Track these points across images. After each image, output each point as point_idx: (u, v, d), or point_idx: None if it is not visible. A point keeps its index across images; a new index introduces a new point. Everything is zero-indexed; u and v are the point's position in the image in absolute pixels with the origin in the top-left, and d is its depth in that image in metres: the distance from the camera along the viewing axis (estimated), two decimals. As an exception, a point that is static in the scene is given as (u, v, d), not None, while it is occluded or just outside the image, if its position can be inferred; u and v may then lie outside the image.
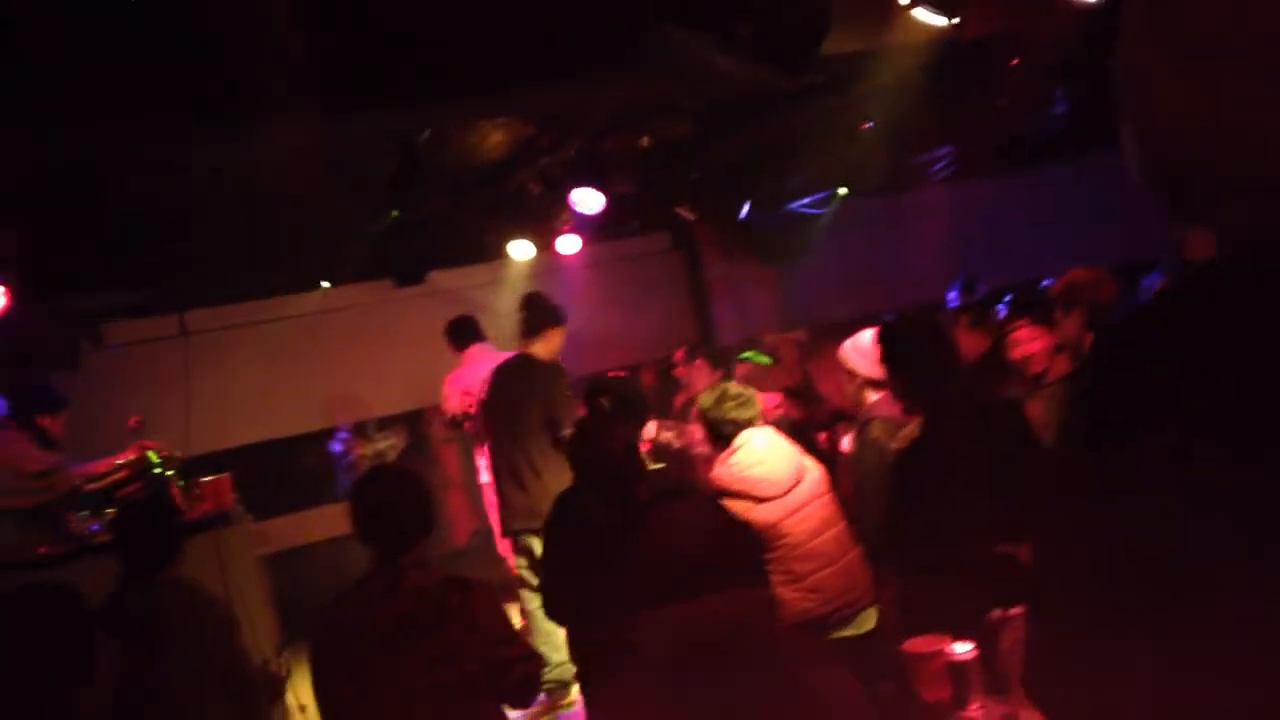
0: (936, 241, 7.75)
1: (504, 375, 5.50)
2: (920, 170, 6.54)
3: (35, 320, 5.60)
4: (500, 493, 5.40)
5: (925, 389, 3.24)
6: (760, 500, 3.78)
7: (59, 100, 3.98)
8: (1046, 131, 6.41)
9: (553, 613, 3.75)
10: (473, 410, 5.80)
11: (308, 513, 7.35)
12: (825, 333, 6.48)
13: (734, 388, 4.02)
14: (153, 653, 3.15)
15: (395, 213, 6.35)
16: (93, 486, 4.75)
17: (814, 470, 3.95)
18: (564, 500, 3.75)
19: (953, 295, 6.17)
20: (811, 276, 7.77)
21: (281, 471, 7.49)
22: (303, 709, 4.54)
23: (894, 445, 3.90)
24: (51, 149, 4.53)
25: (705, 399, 4.01)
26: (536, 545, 4.82)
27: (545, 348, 5.46)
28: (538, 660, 2.98)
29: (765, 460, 3.86)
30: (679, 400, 7.10)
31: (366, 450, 7.80)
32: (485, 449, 5.74)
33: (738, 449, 3.89)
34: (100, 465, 4.86)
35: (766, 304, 8.41)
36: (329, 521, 7.19)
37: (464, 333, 6.21)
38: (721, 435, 3.95)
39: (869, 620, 3.87)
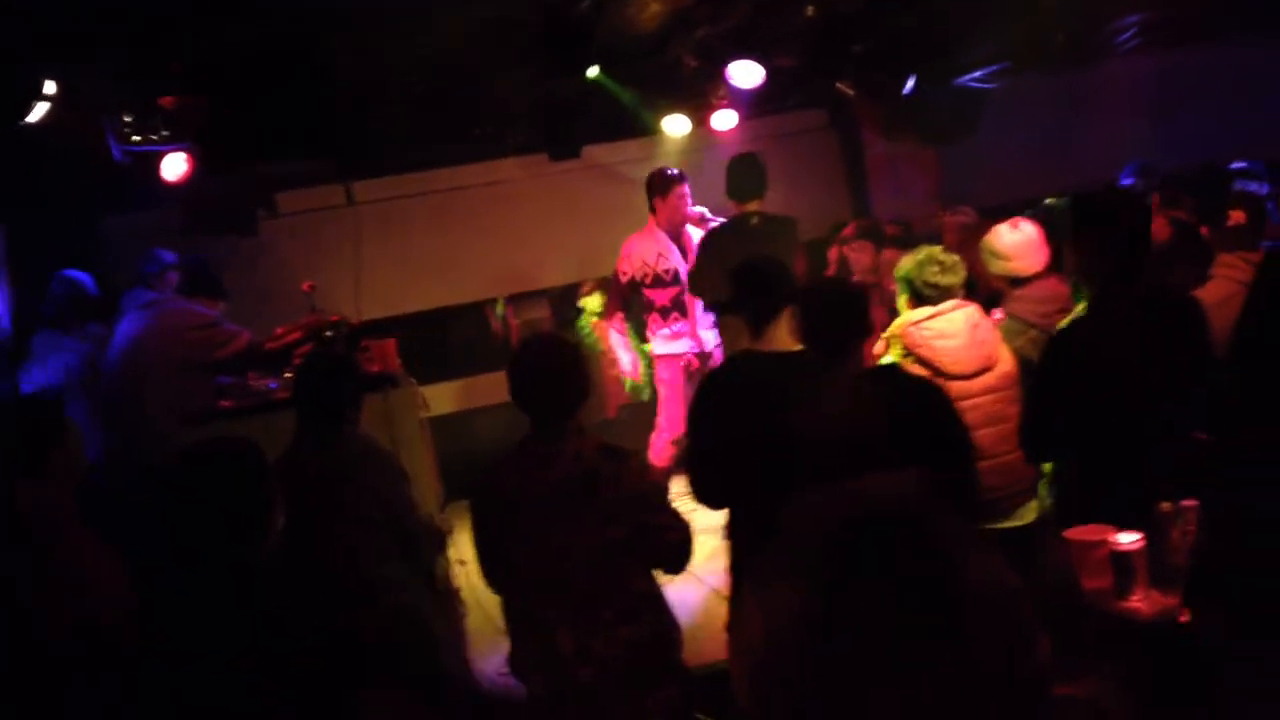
0: (1116, 121, 7.30)
1: (734, 235, 5.45)
2: (1104, 42, 6.09)
3: (216, 187, 5.86)
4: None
5: (1110, 268, 3.07)
6: (940, 375, 3.68)
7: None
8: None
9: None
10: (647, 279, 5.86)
11: (465, 380, 7.61)
12: (992, 216, 6.25)
13: (939, 252, 3.88)
14: (330, 505, 3.34)
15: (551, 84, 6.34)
16: (270, 345, 5.01)
17: (1006, 363, 3.81)
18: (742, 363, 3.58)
19: (1127, 178, 5.83)
20: (976, 156, 7.44)
21: (441, 340, 7.77)
22: (463, 563, 4.77)
23: (1024, 348, 3.81)
24: (234, 20, 4.70)
25: (907, 262, 3.89)
26: None
27: (762, 206, 5.49)
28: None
29: (959, 336, 3.73)
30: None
31: (521, 320, 7.98)
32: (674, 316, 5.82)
33: (935, 315, 3.77)
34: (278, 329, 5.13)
35: (926, 184, 8.13)
36: (485, 389, 7.44)
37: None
38: (922, 301, 3.82)
39: (1029, 513, 3.79)
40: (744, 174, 5.81)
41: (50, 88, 4.36)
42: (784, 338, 3.46)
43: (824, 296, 3.48)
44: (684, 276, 5.94)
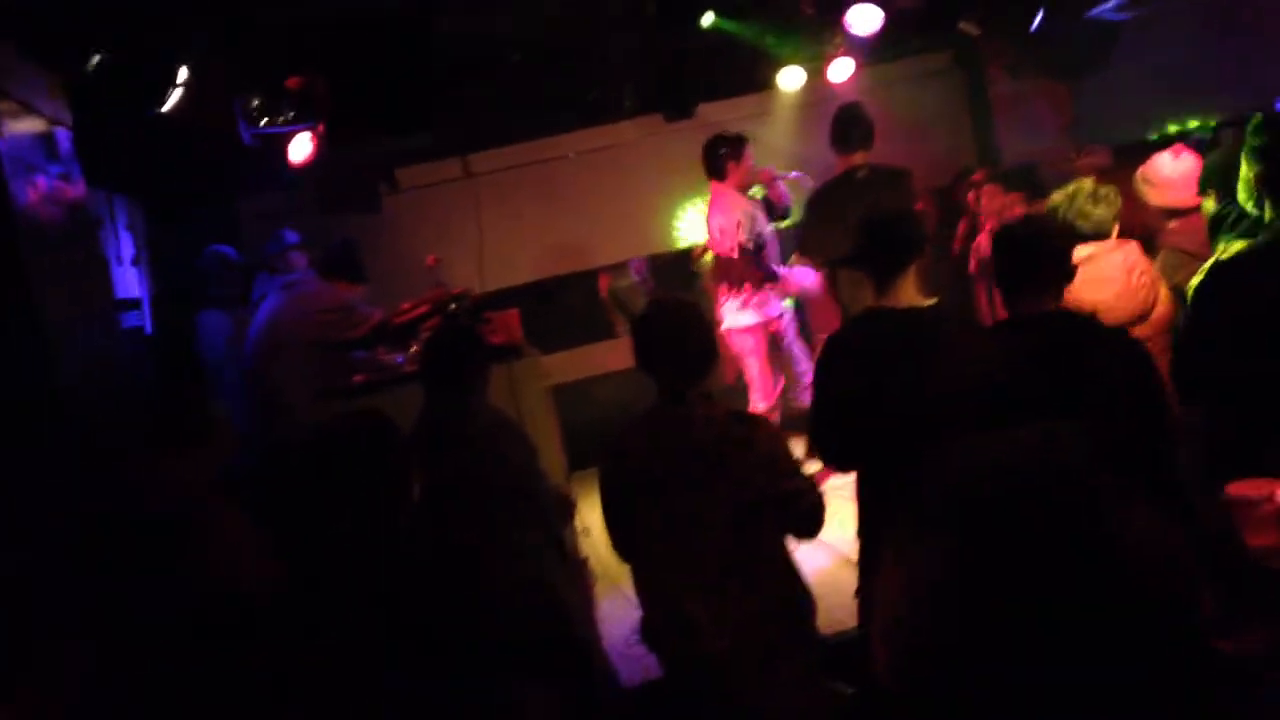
0: (1258, 47, 6.81)
1: (843, 190, 5.38)
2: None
3: (341, 166, 5.99)
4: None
5: None
6: None
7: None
8: None
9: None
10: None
11: (583, 348, 7.63)
12: (1128, 154, 5.93)
13: (1090, 183, 3.69)
14: (461, 476, 3.38)
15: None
16: (397, 320, 5.09)
17: (1163, 305, 3.61)
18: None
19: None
20: (1111, 91, 7.06)
21: (559, 308, 7.81)
22: (587, 532, 4.80)
23: (1188, 281, 3.56)
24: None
25: (1058, 195, 3.72)
26: None
27: (872, 157, 5.37)
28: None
29: (1114, 283, 3.54)
30: (962, 228, 6.77)
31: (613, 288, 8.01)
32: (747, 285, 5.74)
33: (1088, 260, 3.54)
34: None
35: (1057, 124, 7.76)
36: (603, 357, 7.47)
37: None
38: (1077, 234, 3.61)
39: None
40: (848, 125, 5.66)
41: (183, 74, 4.48)
42: (911, 293, 3.33)
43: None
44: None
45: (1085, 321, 3.14)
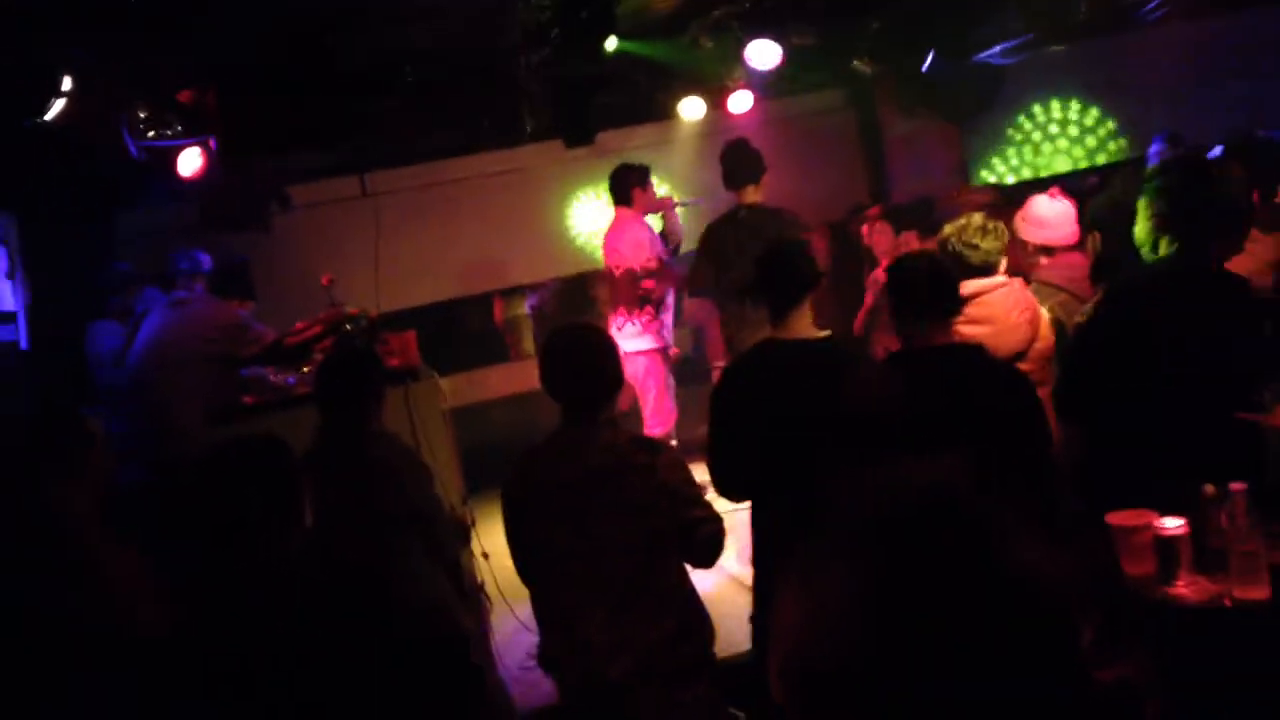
0: (1142, 92, 7.18)
1: (726, 227, 5.48)
2: (1127, 11, 5.98)
3: (230, 182, 5.83)
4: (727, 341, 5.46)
5: (1179, 239, 2.95)
6: None
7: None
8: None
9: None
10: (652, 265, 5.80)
11: (481, 370, 7.58)
12: (1015, 195, 6.17)
13: (980, 217, 3.80)
14: (355, 500, 3.31)
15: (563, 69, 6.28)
16: (291, 341, 4.98)
17: (1044, 341, 3.74)
18: (767, 351, 3.48)
19: (1155, 150, 5.73)
20: (998, 132, 7.35)
21: (455, 331, 7.75)
22: (485, 556, 4.74)
23: (1054, 309, 3.74)
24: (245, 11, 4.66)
25: (948, 228, 3.82)
26: None
27: (761, 194, 5.43)
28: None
29: (995, 320, 3.65)
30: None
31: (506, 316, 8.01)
32: (648, 309, 5.81)
33: (973, 297, 3.65)
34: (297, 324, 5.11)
35: (947, 163, 8.05)
36: (500, 380, 7.43)
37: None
38: (962, 267, 3.69)
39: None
40: (732, 163, 5.71)
41: (67, 84, 4.32)
42: (805, 325, 3.41)
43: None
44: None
45: (975, 354, 3.25)
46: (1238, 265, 3.26)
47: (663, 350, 5.95)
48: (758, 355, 3.52)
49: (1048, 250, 4.09)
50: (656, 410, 5.93)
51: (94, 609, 2.90)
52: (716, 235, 5.65)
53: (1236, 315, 2.96)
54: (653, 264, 5.85)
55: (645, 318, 5.91)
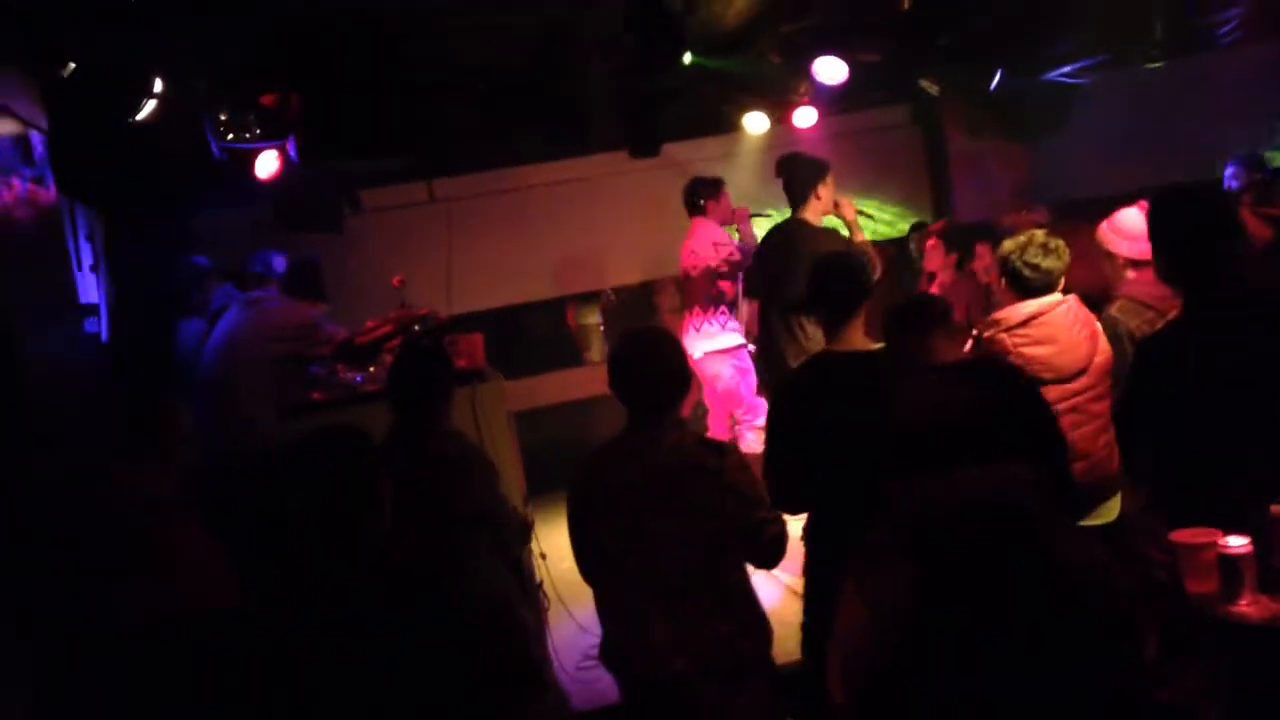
0: (1214, 114, 7.10)
1: (778, 241, 5.52)
2: (1203, 33, 5.93)
3: (305, 184, 5.99)
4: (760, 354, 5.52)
5: (1193, 269, 2.97)
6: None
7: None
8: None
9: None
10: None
11: (546, 375, 7.69)
12: (1076, 212, 6.13)
13: (1041, 235, 3.79)
14: (424, 497, 3.38)
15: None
16: (361, 340, 5.09)
17: (1103, 356, 3.71)
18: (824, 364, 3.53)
19: (1231, 172, 5.66)
20: (1065, 152, 7.31)
21: (521, 335, 7.86)
22: (543, 557, 4.81)
23: (1141, 328, 3.70)
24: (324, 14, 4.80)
25: (1009, 244, 3.81)
26: None
27: (816, 210, 5.45)
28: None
29: (1058, 339, 3.64)
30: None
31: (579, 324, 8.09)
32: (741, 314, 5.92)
33: (1034, 318, 3.68)
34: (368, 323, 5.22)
35: (1012, 181, 8.01)
36: (564, 385, 7.52)
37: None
38: (1022, 284, 3.71)
39: (1112, 510, 3.72)
40: (790, 176, 5.68)
41: (158, 85, 4.49)
42: (859, 337, 3.46)
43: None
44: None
45: (1008, 369, 3.31)
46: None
47: (743, 346, 6.03)
48: (813, 367, 3.57)
49: (1136, 264, 3.99)
50: (752, 404, 5.99)
51: (176, 594, 3.01)
52: (766, 243, 5.71)
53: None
54: (729, 262, 5.95)
55: (724, 317, 6.01)
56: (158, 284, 5.99)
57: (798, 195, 5.50)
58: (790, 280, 5.03)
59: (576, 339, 8.25)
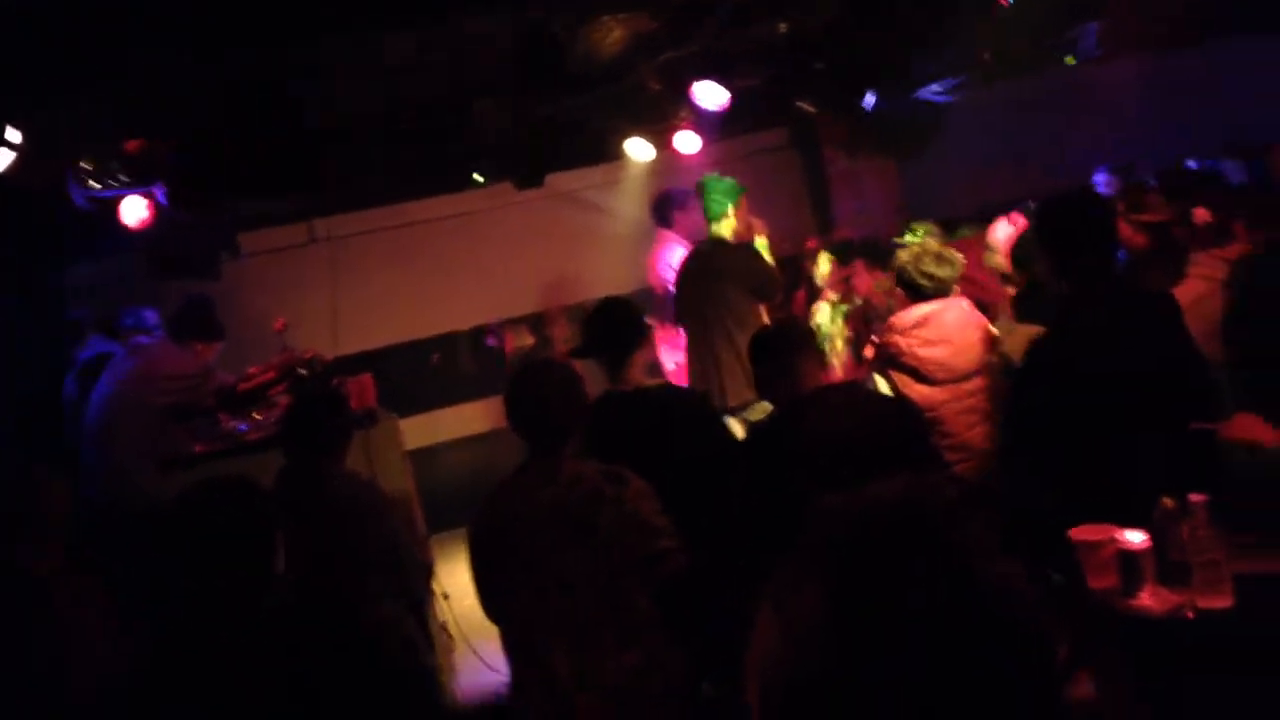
0: (1075, 127, 7.40)
1: (694, 260, 5.56)
2: (1068, 48, 6.17)
3: (177, 231, 5.78)
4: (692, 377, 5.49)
5: (1077, 271, 3.06)
6: (924, 380, 3.68)
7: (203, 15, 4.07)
8: (1202, 6, 6.00)
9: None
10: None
11: (440, 411, 7.55)
12: (950, 227, 6.31)
13: (935, 244, 3.89)
14: (322, 543, 3.28)
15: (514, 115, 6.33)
16: (244, 387, 4.93)
17: (995, 355, 3.82)
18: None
19: (1103, 180, 5.88)
20: (938, 169, 7.53)
21: (412, 373, 7.71)
22: (446, 596, 4.71)
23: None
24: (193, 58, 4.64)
25: (904, 254, 3.90)
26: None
27: (730, 228, 5.49)
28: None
29: (951, 339, 3.73)
30: (801, 296, 7.03)
31: (514, 347, 7.96)
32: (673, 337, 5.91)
33: (925, 320, 3.77)
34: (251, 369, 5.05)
35: (886, 198, 8.21)
36: (460, 420, 7.40)
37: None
38: (917, 292, 3.81)
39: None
40: (705, 197, 5.79)
41: (15, 135, 4.27)
42: (639, 375, 3.54)
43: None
44: None
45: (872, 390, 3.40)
46: (1189, 289, 3.39)
47: None
48: (598, 409, 3.50)
49: (1008, 279, 4.12)
50: None
51: (63, 665, 2.84)
52: (685, 270, 5.74)
53: (1152, 331, 3.05)
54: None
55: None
56: (30, 341, 5.70)
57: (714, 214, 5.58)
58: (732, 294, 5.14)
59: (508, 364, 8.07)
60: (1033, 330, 3.73)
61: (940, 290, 3.80)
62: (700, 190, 5.69)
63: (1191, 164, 5.95)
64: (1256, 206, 4.29)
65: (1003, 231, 4.14)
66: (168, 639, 2.35)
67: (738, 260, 5.38)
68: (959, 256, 3.87)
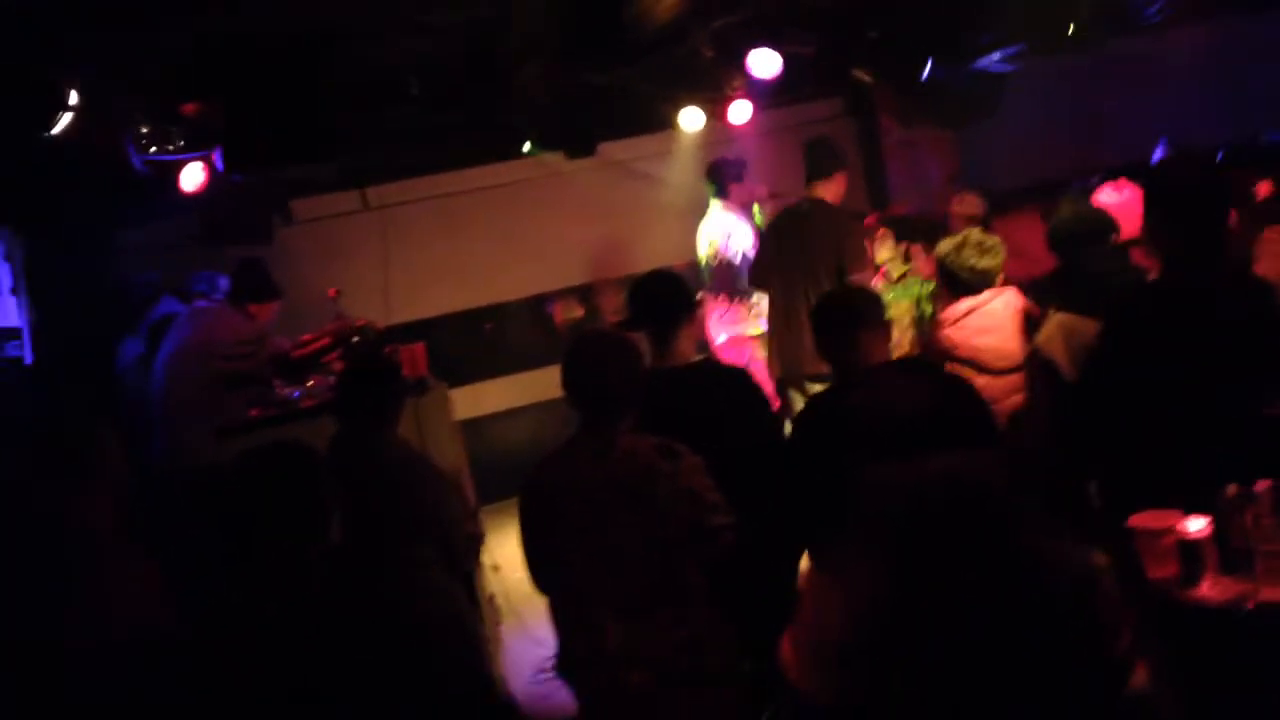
0: (1140, 98, 7.22)
1: (787, 221, 5.54)
2: (1131, 14, 6.00)
3: (232, 194, 5.83)
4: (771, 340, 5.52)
5: (1182, 241, 2.90)
6: (984, 371, 3.62)
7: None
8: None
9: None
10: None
11: (492, 381, 7.58)
12: (1010, 202, 6.19)
13: (977, 234, 3.81)
14: (374, 510, 3.30)
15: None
16: (297, 354, 4.97)
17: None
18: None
19: (1159, 156, 5.73)
20: (996, 139, 7.38)
21: (467, 342, 7.74)
22: (496, 568, 4.73)
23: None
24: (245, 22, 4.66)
25: (945, 245, 3.84)
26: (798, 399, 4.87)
27: (832, 191, 5.45)
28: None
29: (1001, 328, 3.67)
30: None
31: (564, 319, 7.97)
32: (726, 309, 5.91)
33: (973, 310, 3.71)
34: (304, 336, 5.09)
35: (944, 170, 8.07)
36: (512, 390, 7.42)
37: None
38: (959, 284, 3.75)
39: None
40: (809, 156, 5.81)
41: (74, 98, 4.31)
42: (688, 350, 3.45)
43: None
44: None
45: (922, 363, 3.32)
46: (1265, 267, 3.27)
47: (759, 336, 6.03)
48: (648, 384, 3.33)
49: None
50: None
51: (115, 621, 2.88)
52: (777, 231, 5.70)
53: (1247, 315, 2.94)
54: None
55: (746, 304, 6.05)
56: (84, 302, 5.79)
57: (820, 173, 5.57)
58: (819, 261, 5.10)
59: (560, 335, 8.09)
60: (1066, 320, 3.62)
61: (985, 282, 3.73)
62: (807, 149, 5.69)
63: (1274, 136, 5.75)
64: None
65: (1108, 198, 3.99)
66: (218, 603, 2.39)
67: (834, 228, 5.35)
68: (1000, 245, 3.78)
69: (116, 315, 5.65)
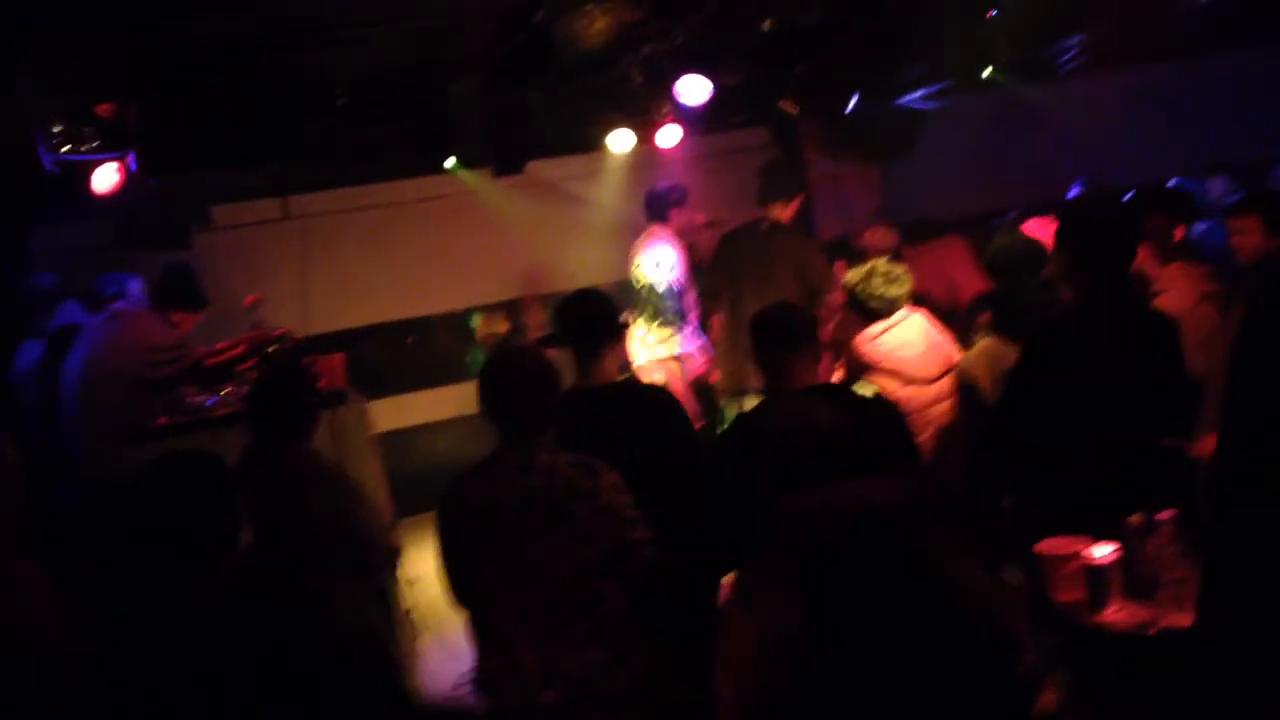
0: (1057, 138, 7.45)
1: (751, 237, 5.54)
2: (1045, 62, 6.22)
3: (148, 200, 5.67)
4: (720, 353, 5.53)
5: (1093, 277, 3.03)
6: (909, 382, 3.69)
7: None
8: (1188, 20, 6.05)
9: None
10: None
11: (414, 395, 7.49)
12: (925, 229, 6.34)
13: (884, 264, 3.89)
14: (284, 522, 3.24)
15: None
16: (211, 361, 4.85)
17: (959, 355, 3.85)
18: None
19: (1074, 195, 5.93)
20: (919, 174, 7.54)
21: (389, 354, 7.65)
22: (411, 583, 4.66)
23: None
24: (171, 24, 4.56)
25: (853, 275, 3.91)
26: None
27: (788, 214, 5.48)
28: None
29: (915, 344, 3.75)
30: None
31: (487, 332, 7.91)
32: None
33: (888, 328, 3.78)
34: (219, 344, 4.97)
35: (868, 202, 8.20)
36: (434, 404, 7.34)
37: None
38: (869, 312, 3.83)
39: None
40: (766, 179, 5.91)
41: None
42: (611, 372, 3.45)
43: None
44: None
45: (842, 389, 3.38)
46: (1172, 301, 3.39)
47: (678, 359, 6.04)
48: (566, 406, 3.29)
49: None
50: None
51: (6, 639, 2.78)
52: (731, 246, 5.70)
53: (1153, 348, 3.06)
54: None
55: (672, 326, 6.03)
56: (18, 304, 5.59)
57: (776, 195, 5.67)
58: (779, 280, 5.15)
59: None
60: (992, 345, 3.73)
61: (893, 308, 3.82)
62: (765, 172, 5.81)
63: (1178, 182, 6.00)
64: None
65: (1035, 231, 4.16)
66: (125, 613, 2.31)
67: (799, 250, 5.39)
68: (907, 273, 3.88)
69: (10, 318, 5.44)
